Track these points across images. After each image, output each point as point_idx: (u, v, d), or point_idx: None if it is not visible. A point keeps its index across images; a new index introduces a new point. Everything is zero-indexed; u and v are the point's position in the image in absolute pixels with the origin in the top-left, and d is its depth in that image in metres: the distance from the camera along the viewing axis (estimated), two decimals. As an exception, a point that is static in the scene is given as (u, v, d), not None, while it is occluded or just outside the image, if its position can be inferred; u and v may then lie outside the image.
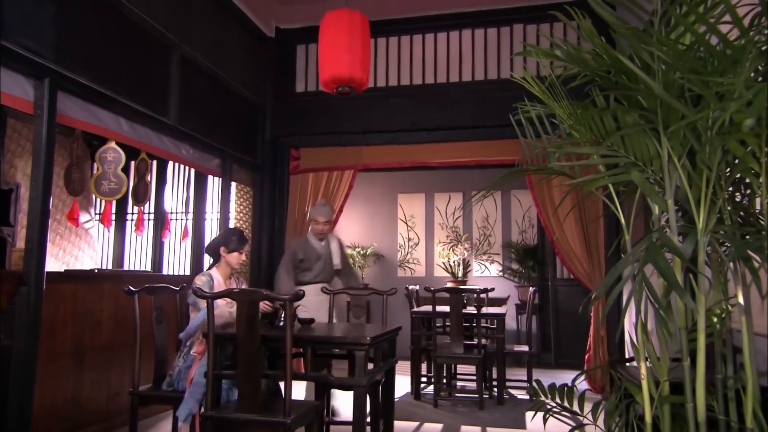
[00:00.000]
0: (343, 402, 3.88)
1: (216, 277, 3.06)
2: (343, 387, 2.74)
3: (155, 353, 3.02)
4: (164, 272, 6.36)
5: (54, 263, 5.66)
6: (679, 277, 1.18)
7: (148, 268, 6.38)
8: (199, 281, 2.98)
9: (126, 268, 6.42)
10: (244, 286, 3.27)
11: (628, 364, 3.02)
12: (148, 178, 4.85)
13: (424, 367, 5.29)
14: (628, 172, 1.17)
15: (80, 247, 6.20)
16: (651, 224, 1.27)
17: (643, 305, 1.28)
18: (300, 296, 2.34)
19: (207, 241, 5.73)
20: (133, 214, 6.52)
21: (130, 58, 3.85)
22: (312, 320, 3.05)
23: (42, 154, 3.07)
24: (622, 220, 1.25)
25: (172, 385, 2.89)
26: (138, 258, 6.52)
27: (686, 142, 1.14)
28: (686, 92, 1.13)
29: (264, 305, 2.86)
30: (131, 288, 2.90)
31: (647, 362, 1.45)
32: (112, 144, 4.28)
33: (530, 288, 5.25)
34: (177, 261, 6.48)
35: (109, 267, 6.38)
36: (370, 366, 2.82)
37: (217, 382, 2.59)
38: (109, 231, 5.18)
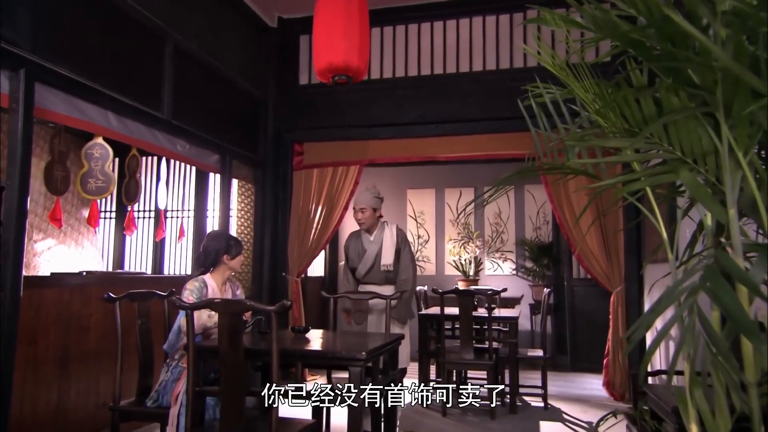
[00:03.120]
0: None
1: (210, 284, 2.83)
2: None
3: (139, 364, 2.81)
4: (165, 273, 6.19)
5: (58, 263, 5.50)
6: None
7: (149, 269, 6.21)
8: (191, 286, 2.75)
9: (126, 268, 6.26)
10: (239, 292, 3.04)
11: (651, 380, 2.74)
12: (139, 176, 4.65)
13: (433, 368, 5.03)
14: (674, 172, 0.90)
15: (84, 245, 6.05)
16: (694, 238, 1.00)
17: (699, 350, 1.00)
18: (287, 307, 2.11)
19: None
20: (135, 211, 6.35)
21: (118, 48, 3.64)
22: (307, 329, 2.82)
23: (18, 151, 2.87)
24: (664, 234, 0.98)
25: (158, 400, 2.67)
26: (140, 258, 6.35)
27: (756, 131, 0.87)
28: (762, 64, 0.84)
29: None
30: (111, 295, 2.69)
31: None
32: (99, 140, 4.08)
33: (545, 289, 4.97)
34: (180, 261, 6.29)
35: (110, 267, 6.22)
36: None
37: (201, 400, 2.38)
38: (95, 232, 5.00)
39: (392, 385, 2.91)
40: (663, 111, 0.90)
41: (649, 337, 4.62)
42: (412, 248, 7.33)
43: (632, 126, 0.97)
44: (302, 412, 3.32)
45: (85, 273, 3.52)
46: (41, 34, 3.01)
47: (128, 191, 4.53)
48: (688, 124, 0.86)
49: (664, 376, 3.17)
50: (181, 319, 2.60)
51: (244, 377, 2.20)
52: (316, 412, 2.91)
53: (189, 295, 2.68)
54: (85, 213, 5.82)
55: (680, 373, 3.08)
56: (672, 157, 0.91)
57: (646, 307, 4.73)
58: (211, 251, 2.85)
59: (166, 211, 6.14)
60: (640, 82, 0.99)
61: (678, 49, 0.83)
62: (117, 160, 5.61)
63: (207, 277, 2.86)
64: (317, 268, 7.21)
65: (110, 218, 6.34)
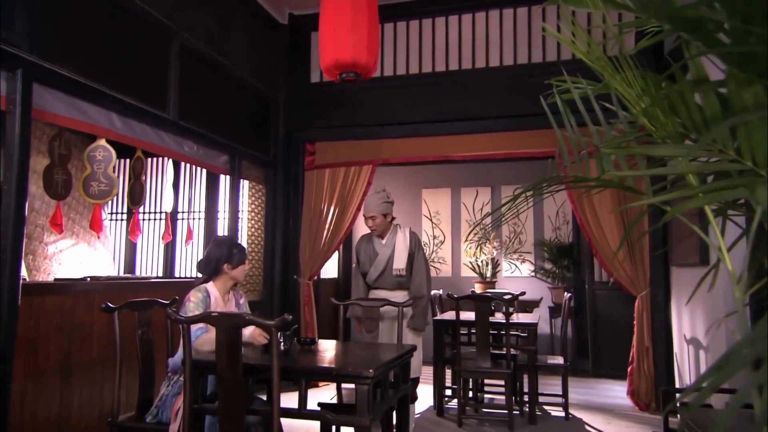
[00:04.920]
0: None
1: (213, 293, 2.68)
2: (344, 424, 2.36)
3: (140, 377, 2.69)
4: (177, 274, 6.10)
5: (71, 266, 5.44)
6: None
7: (161, 272, 6.13)
8: (195, 297, 2.61)
9: (138, 271, 6.19)
10: (243, 301, 2.89)
11: (681, 400, 2.54)
12: (144, 178, 4.54)
13: (449, 373, 4.83)
14: (748, 188, 0.71)
15: (96, 248, 5.99)
16: (754, 265, 0.81)
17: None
18: (287, 322, 1.97)
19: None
20: (147, 213, 6.29)
21: (121, 47, 3.54)
22: (313, 341, 2.67)
23: (15, 154, 2.77)
24: (729, 264, 0.79)
25: (158, 415, 2.55)
26: (152, 260, 6.27)
27: None
28: None
29: (261, 336, 2.51)
30: (109, 304, 2.58)
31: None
32: (102, 142, 3.99)
33: (566, 293, 4.76)
34: (191, 263, 6.19)
35: (122, 270, 6.16)
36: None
37: (199, 418, 2.24)
38: (104, 236, 4.91)
39: (404, 399, 2.76)
40: (731, 110, 0.72)
41: (677, 346, 4.40)
42: (426, 251, 7.17)
43: (688, 130, 0.79)
44: (310, 427, 3.19)
45: (89, 279, 3.42)
46: (40, 33, 2.91)
47: (133, 194, 4.43)
48: (763, 127, 0.68)
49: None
50: (193, 339, 2.44)
51: (243, 395, 2.07)
52: (324, 428, 2.77)
53: (194, 308, 2.53)
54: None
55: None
56: (739, 168, 0.73)
57: (673, 313, 4.51)
58: (212, 258, 2.71)
59: (176, 213, 6.06)
60: (701, 73, 0.80)
61: (756, 28, 0.65)
62: (127, 161, 5.55)
63: (210, 285, 2.72)
64: (331, 269, 7.07)
65: (121, 220, 6.28)
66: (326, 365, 2.23)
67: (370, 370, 2.05)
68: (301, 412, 2.15)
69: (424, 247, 7.27)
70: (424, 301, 3.65)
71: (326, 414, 2.21)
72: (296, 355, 2.41)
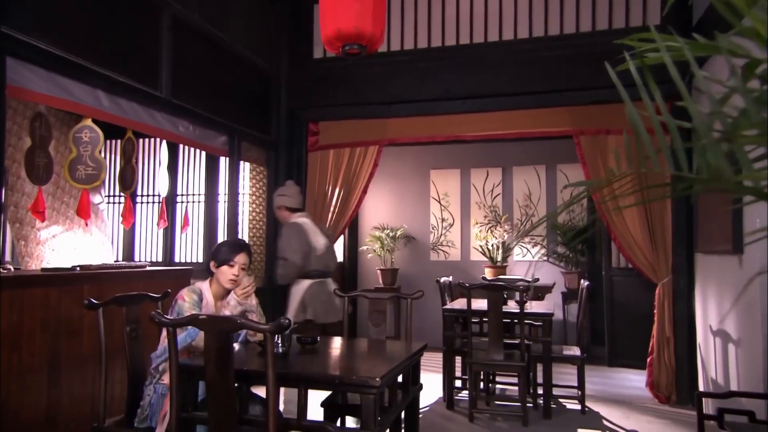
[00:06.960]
0: None
1: (207, 297, 2.45)
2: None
3: (129, 377, 2.49)
4: (177, 260, 5.90)
5: (65, 252, 5.24)
6: None
7: (160, 258, 5.93)
8: (189, 299, 2.38)
9: (137, 257, 5.99)
10: (253, 315, 2.62)
11: (708, 401, 2.31)
12: (136, 161, 4.29)
13: (459, 361, 4.61)
14: None
15: (92, 233, 5.79)
16: None
17: None
18: (284, 326, 1.75)
19: (221, 226, 5.26)
20: (145, 196, 6.08)
21: (107, 19, 3.28)
22: (315, 340, 2.46)
23: (-11, 137, 2.54)
24: None
25: (146, 419, 2.36)
26: (153, 246, 6.06)
27: None
28: None
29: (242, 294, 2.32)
30: (92, 300, 2.37)
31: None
32: (88, 122, 3.74)
33: (582, 281, 4.52)
34: (192, 248, 5.98)
35: (120, 256, 5.96)
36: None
37: (189, 426, 2.04)
38: (88, 225, 4.70)
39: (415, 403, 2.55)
40: None
41: (701, 337, 4.16)
42: (435, 234, 6.93)
43: None
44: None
45: (78, 268, 3.21)
46: (14, 2, 2.66)
47: (124, 178, 4.18)
48: None
49: (743, 400, 2.72)
50: (195, 336, 2.23)
51: (235, 405, 1.86)
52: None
53: (190, 309, 2.31)
54: (93, 199, 5.54)
55: (747, 395, 2.65)
56: None
57: (697, 302, 4.26)
58: (209, 254, 2.50)
59: (175, 196, 5.84)
60: None
61: None
62: (117, 142, 5.30)
63: (205, 287, 2.48)
64: (337, 254, 6.86)
65: (119, 203, 6.07)
66: (328, 372, 2.01)
67: (377, 379, 1.84)
68: (301, 423, 1.94)
69: (433, 230, 7.04)
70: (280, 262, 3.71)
71: (328, 426, 1.99)
72: (295, 359, 2.20)
